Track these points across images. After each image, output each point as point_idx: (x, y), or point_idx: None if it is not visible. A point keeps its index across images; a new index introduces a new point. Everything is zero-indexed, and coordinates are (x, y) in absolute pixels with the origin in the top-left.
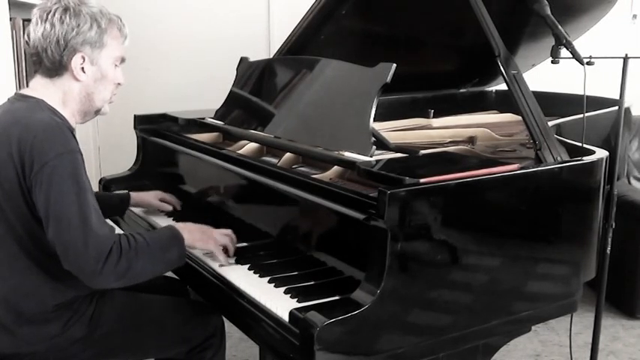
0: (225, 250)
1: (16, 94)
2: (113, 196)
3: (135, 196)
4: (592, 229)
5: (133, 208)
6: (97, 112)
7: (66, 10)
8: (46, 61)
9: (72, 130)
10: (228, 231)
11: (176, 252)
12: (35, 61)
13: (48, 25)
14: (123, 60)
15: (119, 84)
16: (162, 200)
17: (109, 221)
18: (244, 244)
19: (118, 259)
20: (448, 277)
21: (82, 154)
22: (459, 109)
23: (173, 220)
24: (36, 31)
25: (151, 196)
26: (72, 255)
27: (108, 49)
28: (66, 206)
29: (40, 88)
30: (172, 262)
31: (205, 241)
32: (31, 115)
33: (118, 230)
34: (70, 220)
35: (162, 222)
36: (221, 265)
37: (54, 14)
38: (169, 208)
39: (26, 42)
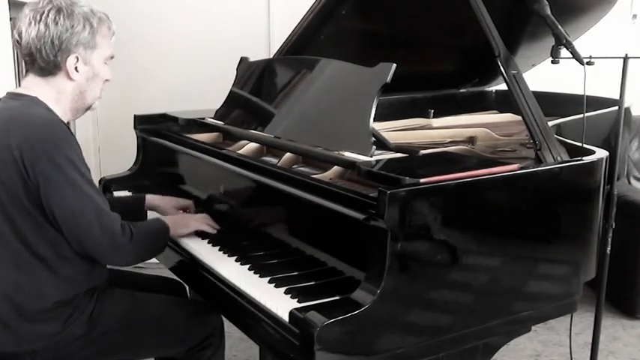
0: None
1: (8, 93)
2: (129, 200)
3: (150, 199)
4: (592, 229)
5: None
6: (88, 108)
7: (59, 10)
8: (39, 61)
9: (67, 126)
10: (204, 214)
11: (163, 239)
12: (28, 61)
13: (42, 26)
14: (112, 57)
15: (107, 80)
16: (180, 209)
17: None
18: (244, 243)
19: (130, 240)
20: (448, 277)
21: (79, 146)
22: (459, 109)
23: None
24: (29, 31)
25: (168, 205)
26: (88, 238)
27: (99, 48)
28: (77, 197)
29: (33, 86)
30: (159, 250)
31: (186, 225)
32: (28, 112)
33: None
34: (83, 208)
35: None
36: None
37: (47, 15)
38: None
39: (17, 41)
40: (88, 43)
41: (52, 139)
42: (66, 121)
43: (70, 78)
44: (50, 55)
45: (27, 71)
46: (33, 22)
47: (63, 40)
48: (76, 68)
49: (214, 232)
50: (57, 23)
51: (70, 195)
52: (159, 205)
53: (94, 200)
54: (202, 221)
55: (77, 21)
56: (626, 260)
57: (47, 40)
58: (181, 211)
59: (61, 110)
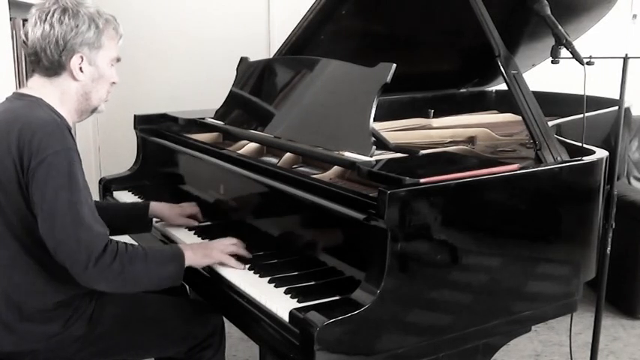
0: (239, 258)
1: (14, 93)
2: (128, 206)
3: (155, 207)
4: (592, 229)
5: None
6: (94, 110)
7: (64, 10)
8: (44, 61)
9: (69, 129)
10: (233, 239)
11: (173, 269)
12: (33, 61)
13: (47, 26)
14: (118, 59)
15: (114, 82)
16: (187, 217)
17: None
18: (244, 243)
19: (112, 260)
20: (448, 277)
21: (78, 153)
22: (459, 109)
23: (194, 233)
24: (34, 31)
25: (174, 214)
26: (63, 251)
27: (105, 49)
28: (59, 202)
29: (38, 87)
30: (168, 278)
31: (210, 256)
32: (31, 113)
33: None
34: (63, 216)
35: (181, 235)
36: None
37: (52, 15)
38: (194, 223)
39: (24, 42)
40: (93, 43)
41: (47, 139)
42: (71, 123)
43: (74, 78)
44: (55, 55)
45: (33, 71)
46: (38, 22)
47: (67, 40)
48: (80, 69)
49: (241, 267)
50: (62, 23)
51: (53, 201)
52: (164, 214)
53: (77, 210)
54: (229, 250)
55: (82, 21)
56: (626, 260)
57: (52, 39)
58: (187, 219)
59: (66, 111)
